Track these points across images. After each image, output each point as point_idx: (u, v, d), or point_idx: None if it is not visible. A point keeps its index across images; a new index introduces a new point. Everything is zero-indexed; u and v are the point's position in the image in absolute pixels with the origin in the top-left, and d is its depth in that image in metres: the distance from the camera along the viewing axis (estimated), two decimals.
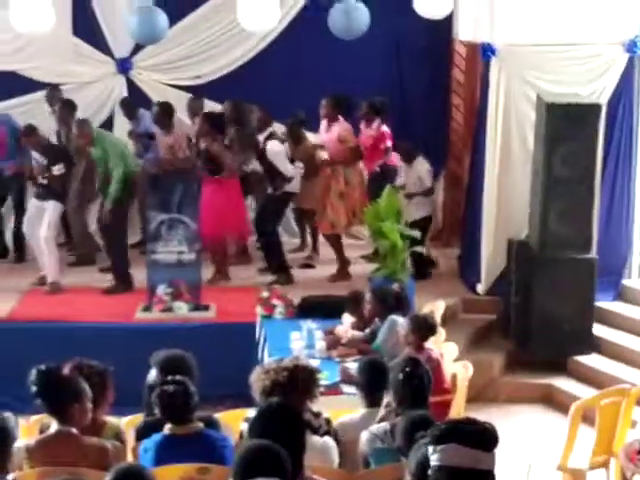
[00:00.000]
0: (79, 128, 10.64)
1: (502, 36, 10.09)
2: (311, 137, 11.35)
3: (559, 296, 9.49)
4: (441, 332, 8.17)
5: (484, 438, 3.46)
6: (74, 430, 5.40)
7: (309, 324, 8.43)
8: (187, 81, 12.58)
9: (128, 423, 6.18)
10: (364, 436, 5.61)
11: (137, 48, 12.39)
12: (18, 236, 11.61)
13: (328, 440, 5.57)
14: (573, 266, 9.56)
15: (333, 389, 7.35)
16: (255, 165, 11.20)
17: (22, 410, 6.25)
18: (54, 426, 5.45)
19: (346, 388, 7.38)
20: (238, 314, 9.68)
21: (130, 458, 5.69)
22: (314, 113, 11.04)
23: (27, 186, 11.49)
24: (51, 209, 10.55)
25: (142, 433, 5.76)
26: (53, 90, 11.95)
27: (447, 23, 11.09)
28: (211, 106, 12.01)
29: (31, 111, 12.08)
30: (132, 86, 12.57)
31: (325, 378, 7.22)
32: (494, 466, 3.48)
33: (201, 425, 5.60)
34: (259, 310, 9.26)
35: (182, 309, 9.79)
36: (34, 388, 5.50)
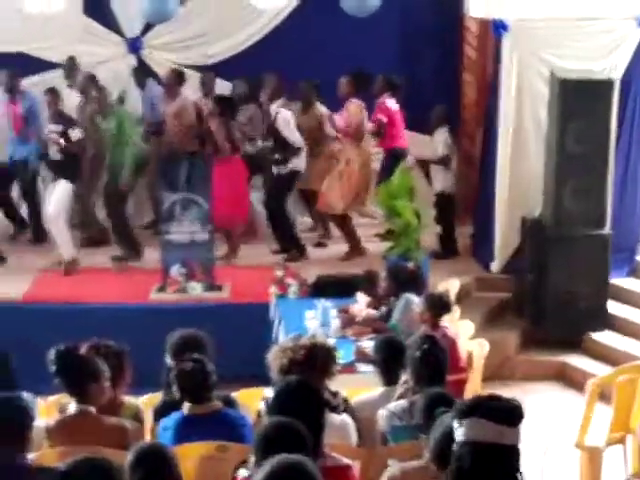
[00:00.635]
0: (98, 94, 10.81)
1: (514, 12, 9.99)
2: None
3: (573, 273, 9.48)
4: (456, 310, 8.16)
5: (510, 413, 3.46)
6: (93, 409, 5.42)
7: (324, 303, 8.41)
8: (199, 60, 12.54)
9: (146, 403, 6.18)
10: (382, 414, 5.62)
11: (147, 27, 12.36)
12: (33, 215, 11.62)
13: (346, 418, 5.57)
14: (587, 243, 9.53)
15: (349, 368, 7.33)
16: (262, 144, 11.18)
17: (39, 391, 6.25)
18: (73, 406, 5.47)
19: (361, 367, 7.38)
20: (252, 294, 9.68)
21: (148, 438, 5.70)
22: (326, 91, 11.01)
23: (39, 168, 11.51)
24: (61, 188, 10.54)
25: (160, 412, 5.76)
26: (71, 62, 11.91)
27: None
28: (222, 85, 11.98)
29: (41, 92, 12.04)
30: (143, 65, 12.53)
31: (341, 357, 7.22)
32: (519, 441, 3.48)
33: (219, 404, 5.60)
34: (273, 289, 9.25)
35: (196, 289, 9.79)
36: (53, 367, 5.52)
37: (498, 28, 10.15)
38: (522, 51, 10.09)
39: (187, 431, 5.44)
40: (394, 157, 10.98)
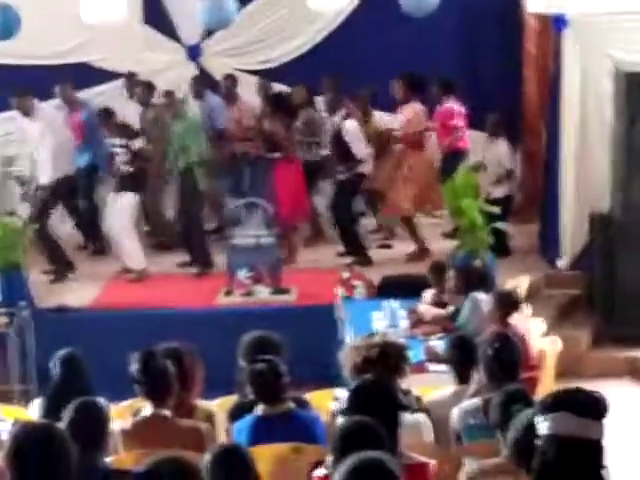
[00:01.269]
0: (167, 97, 10.88)
1: (575, 6, 9.89)
2: (384, 117, 11.31)
3: None
4: (526, 308, 8.08)
5: (595, 407, 3.43)
6: (168, 412, 5.45)
7: (391, 303, 8.39)
8: (257, 65, 12.58)
9: (219, 406, 6.19)
10: (455, 413, 5.58)
11: (206, 34, 12.41)
12: (96, 227, 11.74)
13: (420, 417, 5.55)
14: None
15: (419, 367, 7.29)
16: (325, 151, 11.18)
17: (110, 397, 6.30)
18: (148, 409, 5.50)
19: (432, 366, 7.34)
20: (318, 296, 9.66)
21: (223, 440, 5.71)
22: (385, 93, 10.98)
23: (98, 179, 11.61)
24: (128, 199, 10.63)
25: (235, 415, 5.77)
26: (130, 77, 12.02)
27: None
28: (281, 89, 12.01)
29: (107, 101, 12.14)
30: (202, 72, 12.58)
31: (411, 357, 7.19)
32: (603, 435, 3.43)
33: (293, 405, 5.60)
34: (340, 291, 9.23)
35: (263, 293, 9.83)
36: (135, 372, 5.55)
37: (558, 23, 10.06)
38: (584, 46, 9.97)
39: (262, 432, 5.45)
40: (454, 157, 10.93)
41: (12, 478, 3.83)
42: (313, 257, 10.96)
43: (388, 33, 11.76)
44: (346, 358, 5.64)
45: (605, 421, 3.48)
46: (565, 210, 10.25)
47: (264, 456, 5.29)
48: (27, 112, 10.78)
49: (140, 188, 10.75)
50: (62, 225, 11.69)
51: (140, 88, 11.68)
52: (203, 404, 6.00)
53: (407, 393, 5.73)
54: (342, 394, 5.46)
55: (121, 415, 6.17)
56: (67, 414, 4.83)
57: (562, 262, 10.38)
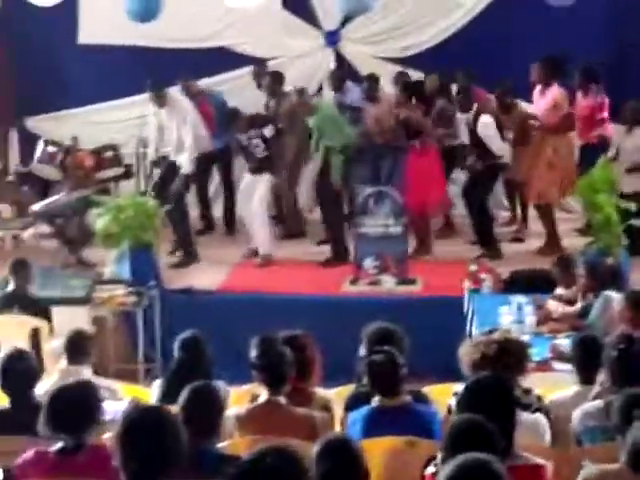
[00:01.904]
0: (299, 95, 10.82)
1: None
2: (525, 107, 11.11)
3: None
4: None
5: None
6: (283, 399, 5.45)
7: (519, 298, 8.24)
8: (395, 53, 12.50)
9: (337, 394, 6.18)
10: (577, 414, 5.43)
11: (345, 20, 12.38)
12: (227, 210, 11.85)
13: (539, 417, 5.42)
14: None
15: (543, 365, 7.14)
16: (462, 139, 11.03)
17: (232, 380, 6.35)
18: (264, 396, 5.51)
19: (557, 365, 7.17)
20: (445, 288, 9.56)
21: (338, 429, 5.69)
22: (526, 83, 10.78)
23: (234, 161, 11.71)
24: (264, 182, 10.69)
25: (351, 404, 5.75)
26: (260, 66, 12.07)
27: None
28: (418, 77, 11.90)
29: (239, 87, 12.24)
30: (340, 59, 12.57)
31: (535, 354, 7.05)
32: None
33: (409, 398, 5.54)
34: (467, 284, 9.11)
35: (389, 282, 9.78)
36: (252, 357, 5.57)
37: None
38: None
39: (376, 424, 5.40)
40: (597, 145, 10.66)
41: (120, 459, 3.86)
42: (442, 249, 10.83)
43: (529, 22, 11.55)
44: (464, 354, 5.54)
45: None
46: None
47: (377, 448, 5.24)
48: (163, 104, 10.84)
49: (276, 170, 10.78)
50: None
51: (268, 78, 11.68)
52: (321, 392, 6.00)
53: (528, 392, 5.61)
54: (461, 389, 5.38)
55: (240, 399, 6.21)
56: (182, 397, 4.86)
57: None
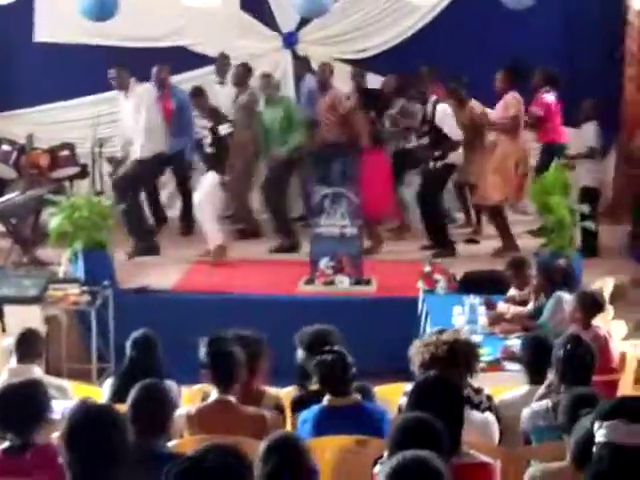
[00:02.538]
0: (263, 79, 11.06)
1: None
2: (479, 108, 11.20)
3: None
4: (609, 310, 7.91)
5: None
6: (233, 399, 5.44)
7: (472, 299, 8.28)
8: (352, 55, 12.54)
9: (287, 394, 6.17)
10: (525, 413, 5.48)
11: (303, 22, 12.41)
12: (185, 208, 11.83)
13: (489, 416, 5.45)
14: None
15: (495, 366, 7.19)
16: (417, 141, 11.10)
17: (185, 380, 6.34)
18: (214, 394, 5.51)
19: (508, 365, 7.22)
20: (399, 288, 9.60)
21: (289, 429, 5.69)
22: (481, 85, 10.84)
23: (189, 161, 11.71)
24: (209, 178, 10.68)
25: (299, 405, 5.75)
26: (223, 59, 12.06)
27: None
28: (375, 79, 11.95)
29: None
30: (304, 57, 12.58)
31: (487, 354, 7.11)
32: None
33: (359, 397, 5.55)
34: (421, 284, 9.15)
35: (344, 283, 9.79)
36: (205, 356, 5.57)
37: None
38: None
39: (326, 423, 5.40)
40: (550, 152, 10.76)
41: (66, 458, 3.84)
42: (397, 249, 10.88)
43: (487, 25, 11.62)
44: (415, 354, 5.56)
45: None
46: None
47: (328, 447, 5.26)
48: (123, 86, 10.82)
49: (222, 169, 10.76)
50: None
51: (238, 68, 11.69)
52: (272, 391, 6.00)
53: (478, 391, 5.65)
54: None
55: (192, 399, 6.21)
56: (132, 395, 4.84)
57: None
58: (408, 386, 5.56)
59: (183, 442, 5.22)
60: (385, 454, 4.14)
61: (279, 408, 5.79)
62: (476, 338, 6.99)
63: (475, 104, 11.07)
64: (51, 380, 6.25)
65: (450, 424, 4.26)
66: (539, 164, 10.78)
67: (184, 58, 12.35)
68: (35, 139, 11.99)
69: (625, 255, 10.77)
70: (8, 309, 8.51)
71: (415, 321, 8.82)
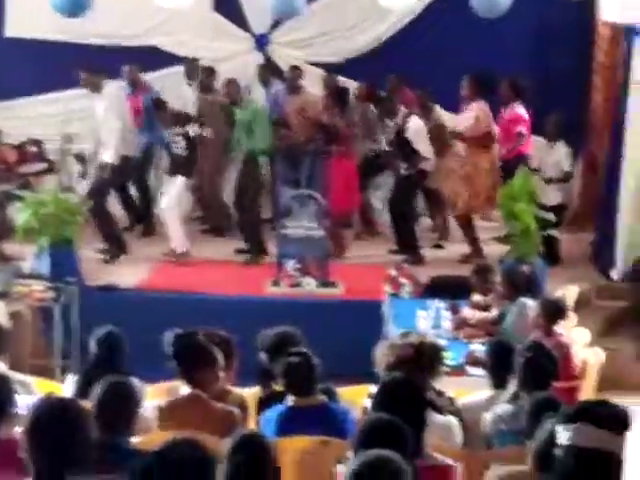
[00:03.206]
0: (228, 86, 11.00)
1: None
2: (448, 116, 11.24)
3: None
4: (572, 317, 7.99)
5: (615, 420, 3.37)
6: (204, 395, 5.46)
7: (436, 304, 8.34)
8: (324, 58, 12.57)
9: (250, 395, 6.19)
10: (488, 417, 5.53)
11: (275, 24, 12.42)
12: (144, 208, 11.80)
13: (451, 419, 5.50)
14: None
15: (459, 370, 7.25)
16: (382, 146, 11.14)
17: (150, 377, 6.33)
18: (185, 389, 5.51)
19: (472, 370, 7.28)
20: (365, 291, 9.64)
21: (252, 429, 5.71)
22: (452, 93, 10.88)
23: (155, 160, 11.68)
24: (177, 184, 10.67)
25: (263, 405, 5.77)
26: (192, 62, 12.06)
27: (590, 3, 10.86)
28: (347, 84, 11.98)
29: (169, 86, 12.20)
30: (269, 62, 12.60)
31: (451, 359, 7.16)
32: (622, 450, 3.36)
33: (324, 397, 5.58)
34: (386, 288, 9.19)
35: (310, 285, 9.83)
36: (171, 350, 5.61)
37: (631, 33, 9.90)
38: None
39: (290, 424, 5.43)
40: (516, 160, 10.82)
41: (28, 452, 3.84)
42: (364, 252, 10.93)
43: (457, 34, 11.68)
44: (380, 355, 5.60)
45: (630, 435, 3.42)
46: (623, 220, 10.09)
47: (291, 447, 5.28)
48: (96, 89, 10.77)
49: (191, 173, 10.75)
50: (112, 206, 11.68)
51: (203, 73, 11.72)
52: (236, 390, 6.01)
53: (441, 394, 5.71)
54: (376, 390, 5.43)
55: (157, 396, 6.20)
56: (96, 391, 4.84)
57: (616, 272, 10.23)
58: (372, 388, 5.61)
59: (148, 439, 5.21)
60: (349, 454, 4.18)
61: (243, 407, 5.80)
62: (440, 343, 7.02)
63: (441, 113, 11.12)
64: (14, 375, 6.22)
65: (413, 426, 4.29)
66: (504, 172, 10.79)
67: (156, 57, 12.32)
68: (3, 134, 11.94)
69: (588, 263, 10.84)
70: None
71: (380, 324, 8.86)
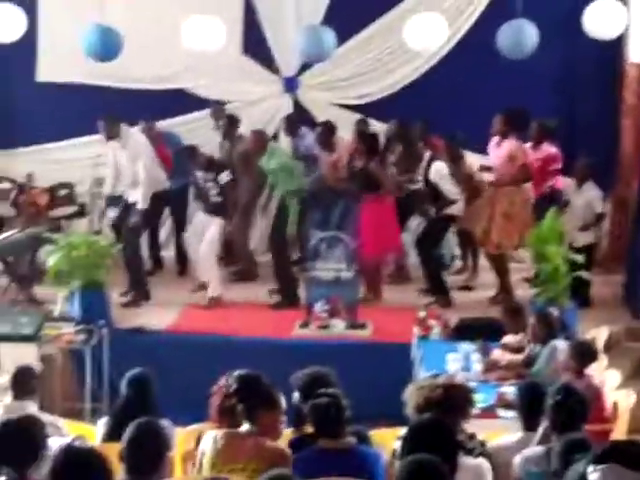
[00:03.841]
0: (254, 135, 10.92)
1: None
2: (476, 158, 11.24)
3: None
4: (603, 359, 7.94)
5: None
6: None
7: (466, 346, 8.31)
8: (353, 100, 12.62)
9: (283, 437, 6.17)
10: (518, 459, 5.49)
11: (304, 67, 12.49)
12: (180, 251, 11.84)
13: (482, 462, 5.45)
14: None
15: (489, 412, 7.21)
16: (419, 185, 11.14)
17: (178, 420, 6.34)
18: (246, 426, 5.55)
19: (502, 412, 7.24)
20: (394, 333, 9.63)
21: None
22: (479, 134, 10.89)
23: (189, 202, 11.74)
24: (216, 225, 10.72)
25: (295, 447, 5.75)
26: (218, 106, 12.14)
27: (618, 44, 10.87)
28: (376, 125, 12.01)
29: (197, 129, 12.31)
30: (297, 105, 12.66)
31: (481, 401, 7.12)
32: None
33: (353, 440, 5.57)
34: (416, 330, 9.17)
35: (339, 327, 9.83)
36: (236, 391, 5.66)
37: None
38: None
39: (319, 465, 5.40)
40: (547, 200, 10.79)
41: None
42: (393, 294, 10.90)
43: (484, 75, 11.69)
44: (409, 397, 5.59)
45: None
46: None
47: None
48: (113, 136, 10.81)
49: (227, 216, 10.82)
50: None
51: (224, 120, 11.76)
52: None
53: (472, 437, 5.66)
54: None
55: (186, 440, 6.21)
56: (127, 432, 4.85)
57: None
58: (402, 430, 5.58)
59: None
60: None
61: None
62: (470, 384, 7.00)
63: (472, 159, 11.12)
64: (46, 417, 6.25)
65: None
66: (539, 212, 10.72)
67: (185, 101, 12.43)
68: (34, 178, 12.07)
69: (618, 304, 10.78)
70: (3, 346, 8.52)
71: (409, 367, 8.83)
